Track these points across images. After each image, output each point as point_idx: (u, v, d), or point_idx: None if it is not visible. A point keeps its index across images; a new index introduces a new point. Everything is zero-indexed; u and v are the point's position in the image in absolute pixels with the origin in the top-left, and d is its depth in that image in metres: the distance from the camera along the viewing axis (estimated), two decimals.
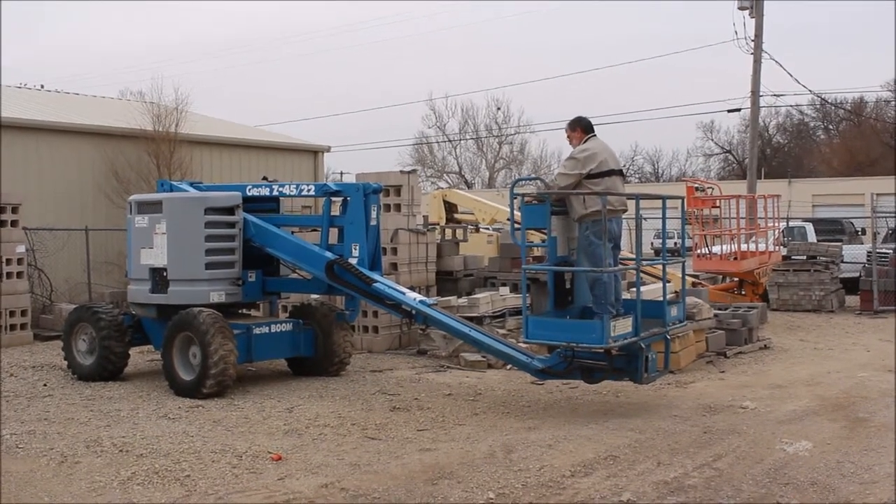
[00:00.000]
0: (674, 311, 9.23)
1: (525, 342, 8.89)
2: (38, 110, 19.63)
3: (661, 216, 9.23)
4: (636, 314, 8.47)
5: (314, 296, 12.06)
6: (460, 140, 67.85)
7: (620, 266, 9.49)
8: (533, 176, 34.72)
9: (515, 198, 9.21)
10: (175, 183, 11.68)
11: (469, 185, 64.83)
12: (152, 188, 14.86)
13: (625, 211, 9.10)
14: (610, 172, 8.71)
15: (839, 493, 6.14)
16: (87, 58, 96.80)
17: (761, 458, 7.04)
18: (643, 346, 8.46)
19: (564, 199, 8.82)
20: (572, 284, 9.08)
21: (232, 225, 10.65)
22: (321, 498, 6.11)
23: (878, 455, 7.06)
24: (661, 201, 9.38)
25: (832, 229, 26.58)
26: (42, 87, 26.93)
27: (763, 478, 6.49)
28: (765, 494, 6.11)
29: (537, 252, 12.71)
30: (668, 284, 9.67)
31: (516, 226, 9.70)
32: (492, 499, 6.04)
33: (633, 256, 9.68)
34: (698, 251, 18.50)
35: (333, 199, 10.80)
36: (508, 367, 10.64)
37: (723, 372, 11.08)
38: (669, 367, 9.51)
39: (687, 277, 17.09)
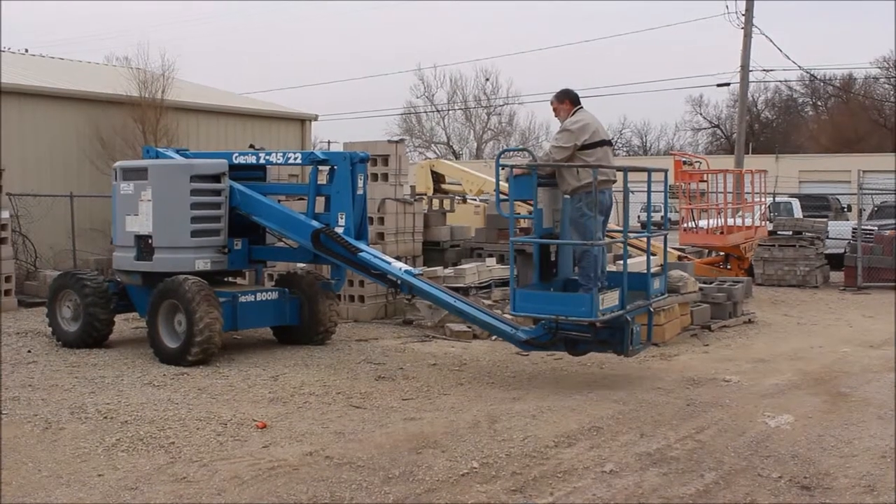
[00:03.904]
0: (656, 284, 9.26)
1: (512, 315, 8.89)
2: (23, 75, 19.41)
3: (647, 189, 9.23)
4: (623, 287, 8.49)
5: (300, 265, 12.04)
6: (448, 110, 67.66)
7: (609, 239, 9.50)
8: (520, 147, 34.59)
9: (503, 169, 9.17)
10: (161, 150, 11.60)
11: (457, 156, 64.74)
12: (138, 155, 14.75)
13: (614, 182, 9.11)
14: (601, 143, 8.71)
15: (820, 466, 6.19)
16: (73, 21, 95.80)
17: (743, 430, 7.09)
18: (629, 318, 8.49)
19: (553, 172, 8.80)
20: (557, 257, 9.09)
21: (218, 192, 10.60)
22: (305, 465, 6.13)
23: (858, 429, 7.13)
24: (646, 174, 9.38)
25: (818, 205, 26.71)
26: (26, 51, 26.63)
27: (745, 450, 6.54)
28: (746, 467, 6.17)
29: (524, 224, 12.71)
30: (653, 257, 9.69)
31: (503, 197, 9.67)
32: (476, 468, 6.07)
33: (620, 229, 9.68)
34: (685, 225, 18.56)
35: (320, 167, 10.74)
36: (493, 337, 10.66)
37: (707, 345, 11.15)
38: (652, 339, 9.55)
39: (673, 251, 17.22)
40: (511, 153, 17.93)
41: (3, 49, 24.76)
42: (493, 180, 16.64)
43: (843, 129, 59.88)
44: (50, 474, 5.97)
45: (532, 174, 8.58)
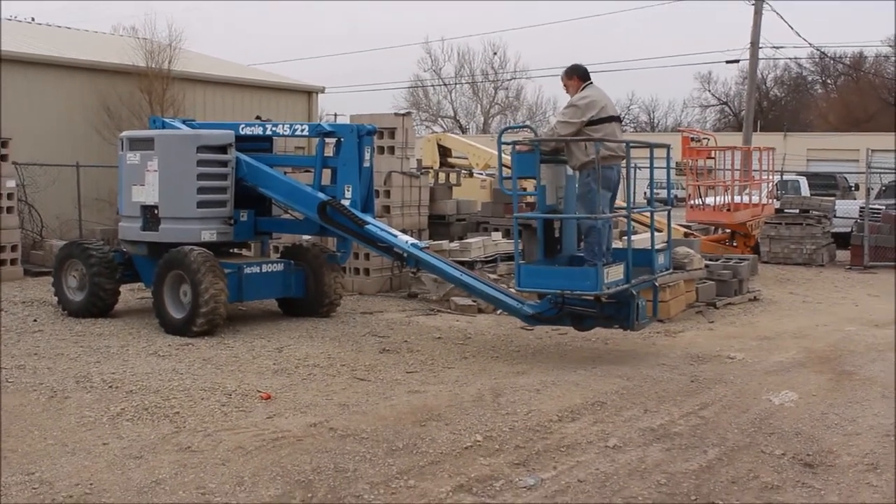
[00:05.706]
0: (661, 259, 9.24)
1: (517, 290, 8.88)
2: (30, 44, 19.35)
3: (653, 165, 9.19)
4: (627, 261, 8.48)
5: (306, 237, 12.04)
6: (456, 84, 67.41)
7: (613, 213, 9.46)
8: (522, 123, 34.40)
9: (507, 145, 9.14)
10: (167, 120, 11.57)
11: (463, 130, 64.55)
12: (144, 125, 14.71)
13: (623, 158, 9.06)
14: (609, 119, 8.65)
15: (823, 443, 6.20)
16: None
17: (747, 407, 7.09)
18: (634, 293, 8.48)
19: (556, 149, 8.75)
20: (561, 233, 9.07)
21: (224, 164, 10.58)
22: (310, 437, 6.15)
23: (862, 407, 7.12)
24: (651, 151, 9.33)
25: (826, 184, 26.58)
26: (33, 20, 26.54)
27: (748, 427, 6.55)
28: (749, 443, 6.17)
29: (531, 199, 12.69)
30: (658, 233, 9.67)
31: (506, 173, 9.64)
32: (479, 441, 6.09)
33: (624, 205, 9.65)
34: (691, 201, 18.52)
35: (327, 139, 10.72)
36: (498, 311, 10.67)
37: (712, 322, 11.14)
38: (658, 315, 9.54)
39: (679, 228, 17.19)
40: (513, 130, 17.95)
41: (10, 18, 24.72)
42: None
43: (852, 107, 59.52)
44: (55, 442, 6.00)
45: (535, 151, 8.54)
